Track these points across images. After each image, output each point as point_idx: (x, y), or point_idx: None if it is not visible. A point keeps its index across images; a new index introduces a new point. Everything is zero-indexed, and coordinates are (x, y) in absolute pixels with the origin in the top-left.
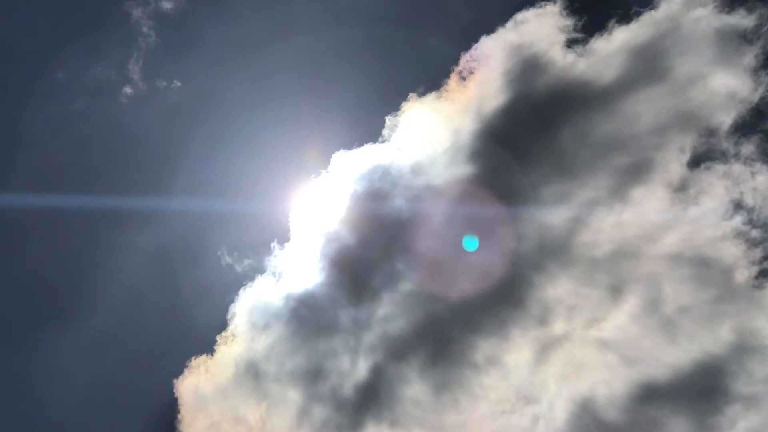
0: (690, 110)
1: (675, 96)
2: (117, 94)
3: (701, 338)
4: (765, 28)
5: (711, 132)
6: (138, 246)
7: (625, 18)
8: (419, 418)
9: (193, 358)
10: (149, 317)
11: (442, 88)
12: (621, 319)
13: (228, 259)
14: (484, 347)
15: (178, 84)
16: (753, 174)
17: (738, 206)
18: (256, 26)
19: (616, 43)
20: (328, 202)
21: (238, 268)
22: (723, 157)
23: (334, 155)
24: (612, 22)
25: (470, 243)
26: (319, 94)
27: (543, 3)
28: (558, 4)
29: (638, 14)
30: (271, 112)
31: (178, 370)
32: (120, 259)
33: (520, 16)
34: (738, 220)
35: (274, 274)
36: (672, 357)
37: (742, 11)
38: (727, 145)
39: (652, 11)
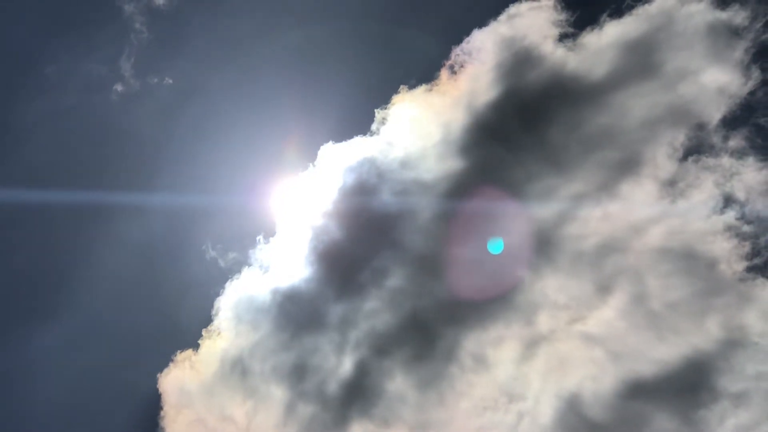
0: (681, 105)
1: (666, 90)
2: (108, 91)
3: (689, 333)
4: (758, 24)
5: (701, 126)
6: (125, 241)
7: (618, 12)
8: (404, 415)
9: (178, 352)
10: (136, 312)
11: (432, 81)
12: (610, 314)
13: (213, 254)
14: (470, 343)
15: (170, 81)
16: (742, 168)
17: (727, 200)
18: (248, 22)
19: (609, 37)
20: (315, 195)
21: (225, 263)
22: (713, 151)
23: (321, 148)
24: (604, 17)
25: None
26: (310, 89)
27: None
28: None
29: (631, 9)
30: (261, 108)
31: (163, 365)
32: (111, 254)
33: (513, 9)
34: (727, 214)
35: (260, 268)
36: (660, 353)
37: (736, 6)
38: (716, 139)
39: (646, 5)
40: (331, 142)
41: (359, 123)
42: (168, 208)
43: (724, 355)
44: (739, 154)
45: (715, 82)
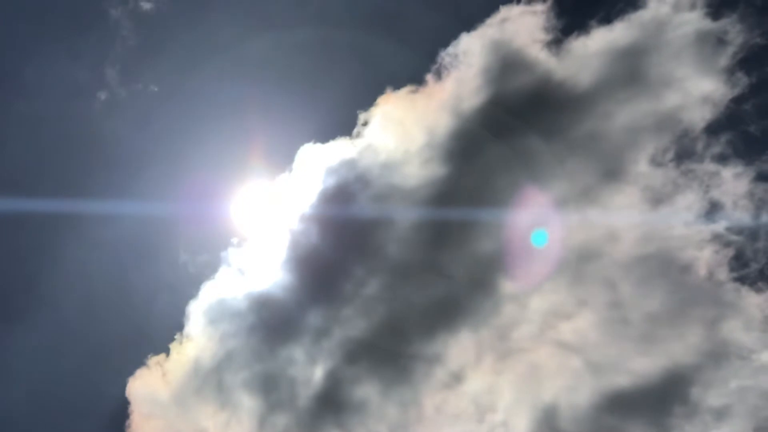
0: (666, 112)
1: (652, 97)
2: (90, 98)
3: (670, 345)
4: (747, 32)
5: (686, 133)
6: (102, 247)
7: (607, 19)
8: (377, 426)
9: (149, 356)
10: (107, 317)
11: (418, 84)
12: (590, 324)
13: (187, 258)
14: (444, 353)
15: (155, 89)
16: (726, 176)
17: (712, 208)
18: (235, 28)
19: (597, 43)
20: (293, 198)
21: (198, 267)
22: (697, 158)
23: (300, 149)
24: (594, 23)
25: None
26: (297, 93)
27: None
28: (546, 3)
29: (623, 16)
30: (246, 112)
31: (132, 370)
32: (85, 260)
33: (502, 13)
34: (711, 222)
35: (234, 272)
36: (640, 364)
37: (728, 15)
38: (701, 146)
39: (639, 12)
40: (312, 142)
41: (342, 125)
42: (146, 215)
43: (707, 367)
44: (723, 160)
45: (701, 89)
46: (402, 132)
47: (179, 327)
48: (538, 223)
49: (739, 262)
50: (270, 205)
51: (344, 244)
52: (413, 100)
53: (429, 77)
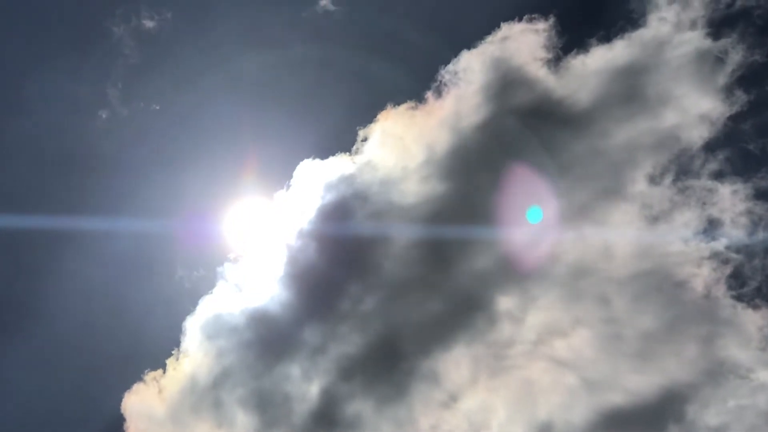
0: (665, 130)
1: (651, 115)
2: (93, 114)
3: (667, 363)
4: (746, 50)
5: (684, 151)
6: (100, 262)
7: (607, 38)
8: None
9: (145, 372)
10: (104, 333)
11: (418, 101)
12: (586, 341)
13: (184, 274)
14: (438, 370)
15: (156, 107)
16: (724, 193)
17: (710, 226)
18: (236, 46)
19: (598, 62)
20: (291, 214)
21: (196, 283)
22: (695, 175)
23: (299, 165)
24: (594, 41)
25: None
26: (297, 108)
27: (532, 18)
28: (548, 21)
29: (623, 35)
30: (248, 130)
31: (127, 387)
32: (94, 277)
33: (503, 31)
34: (710, 240)
35: (232, 288)
36: (637, 382)
37: (729, 34)
38: (699, 163)
39: (639, 31)
40: (312, 158)
41: (342, 141)
42: (144, 230)
43: (703, 385)
44: (721, 178)
45: (700, 107)
46: (401, 149)
47: (176, 342)
48: (536, 239)
49: (736, 280)
50: (268, 221)
51: (342, 260)
52: (413, 116)
53: (429, 94)
